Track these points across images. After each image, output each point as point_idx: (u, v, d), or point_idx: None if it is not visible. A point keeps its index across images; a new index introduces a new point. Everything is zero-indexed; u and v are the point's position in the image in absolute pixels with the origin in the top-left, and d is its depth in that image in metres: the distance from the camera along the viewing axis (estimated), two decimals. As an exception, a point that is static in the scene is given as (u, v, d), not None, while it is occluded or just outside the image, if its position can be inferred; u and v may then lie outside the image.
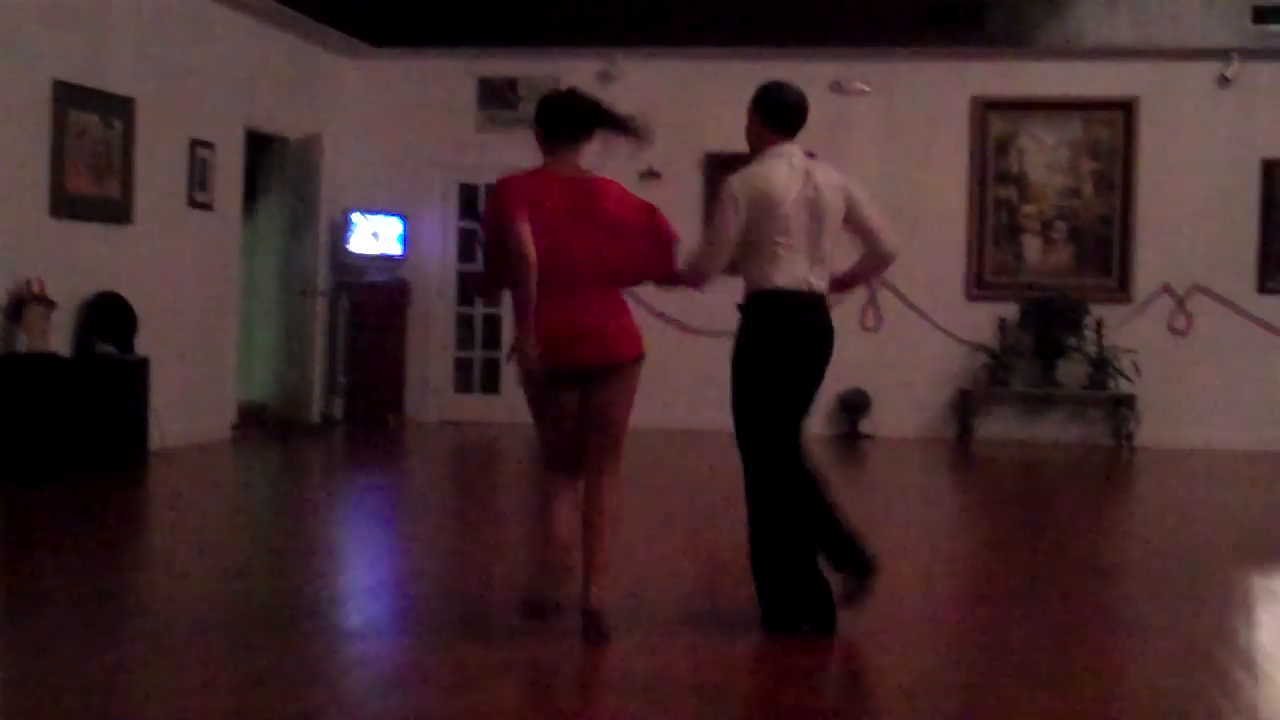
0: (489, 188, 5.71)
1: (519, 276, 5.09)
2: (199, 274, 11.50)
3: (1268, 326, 12.97)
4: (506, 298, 6.69)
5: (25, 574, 6.66)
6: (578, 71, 12.65)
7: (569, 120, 5.37)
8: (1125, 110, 13.21)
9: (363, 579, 6.84)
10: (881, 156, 13.05)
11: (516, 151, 13.58)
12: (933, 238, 12.99)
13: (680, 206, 13.13)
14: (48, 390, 9.26)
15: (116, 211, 10.44)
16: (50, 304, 9.34)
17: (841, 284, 5.75)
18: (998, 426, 13.27)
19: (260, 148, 12.92)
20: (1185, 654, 5.46)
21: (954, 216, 13.25)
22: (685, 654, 5.18)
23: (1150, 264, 13.16)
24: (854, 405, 13.14)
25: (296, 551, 7.48)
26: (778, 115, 5.65)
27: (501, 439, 12.88)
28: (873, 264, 5.74)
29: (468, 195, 14.05)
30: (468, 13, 13.58)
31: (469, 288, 13.80)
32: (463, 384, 14.19)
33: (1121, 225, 13.22)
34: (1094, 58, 13.13)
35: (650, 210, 5.41)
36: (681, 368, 12.17)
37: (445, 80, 13.93)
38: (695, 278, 5.60)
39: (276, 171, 13.26)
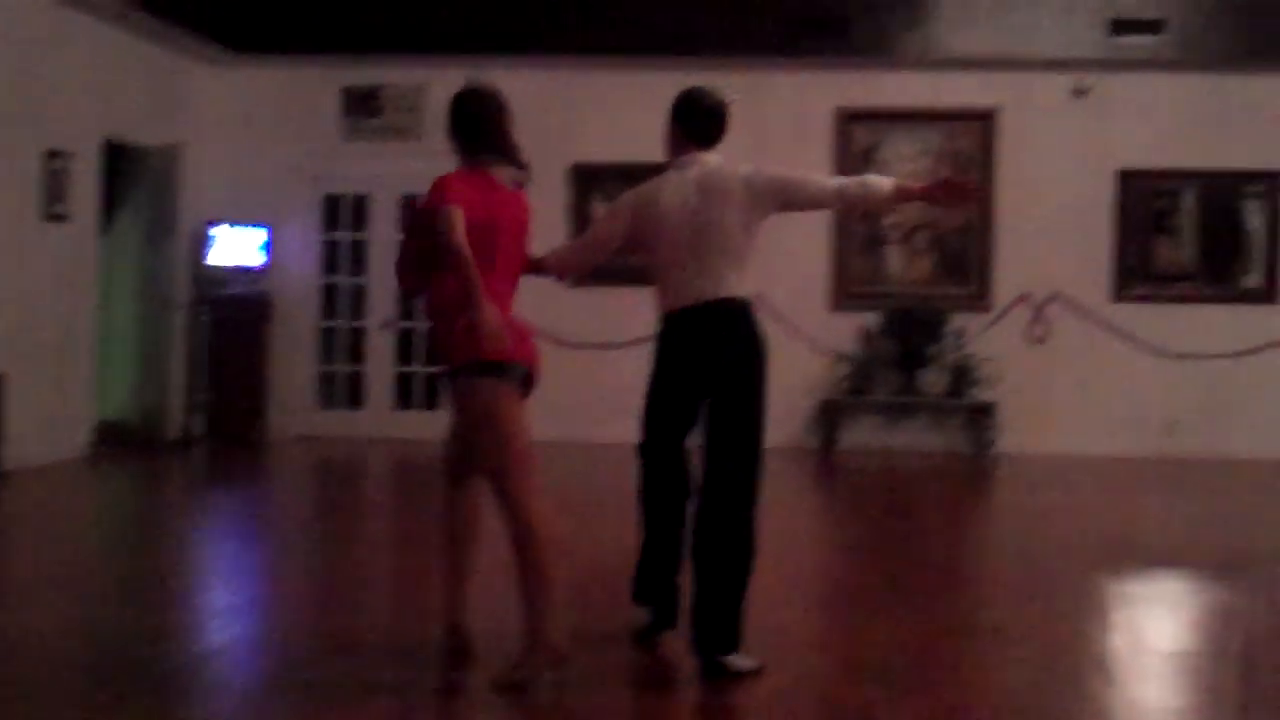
0: (356, 199, 5.63)
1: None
2: (54, 288, 11.23)
3: (1123, 334, 13.27)
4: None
5: None
6: (443, 80, 12.57)
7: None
8: (985, 121, 13.43)
9: (223, 600, 6.72)
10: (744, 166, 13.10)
11: (381, 161, 13.68)
12: (796, 248, 13.08)
13: (546, 217, 13.08)
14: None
15: (-33, 224, 10.19)
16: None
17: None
18: (861, 436, 13.41)
19: (119, 158, 12.67)
20: (1041, 658, 5.55)
21: (817, 227, 13.34)
22: (551, 671, 5.16)
23: (1008, 273, 13.38)
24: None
25: (155, 573, 7.33)
26: (692, 123, 5.55)
27: (366, 454, 12.76)
28: (860, 211, 5.61)
29: (332, 206, 13.90)
30: (331, 21, 13.43)
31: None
32: (327, 399, 14.03)
33: (980, 235, 13.44)
34: (954, 69, 13.33)
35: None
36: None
37: (308, 89, 13.75)
38: (557, 266, 5.62)
39: (136, 182, 13.01)
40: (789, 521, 9.52)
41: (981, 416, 13.13)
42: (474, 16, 13.26)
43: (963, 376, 13.10)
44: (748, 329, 5.36)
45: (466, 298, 4.84)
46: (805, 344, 13.26)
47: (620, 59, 13.16)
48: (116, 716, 4.53)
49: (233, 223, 13.24)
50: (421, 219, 5.08)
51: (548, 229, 13.32)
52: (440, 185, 5.01)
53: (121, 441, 12.44)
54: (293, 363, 13.73)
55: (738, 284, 5.38)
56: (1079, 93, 13.23)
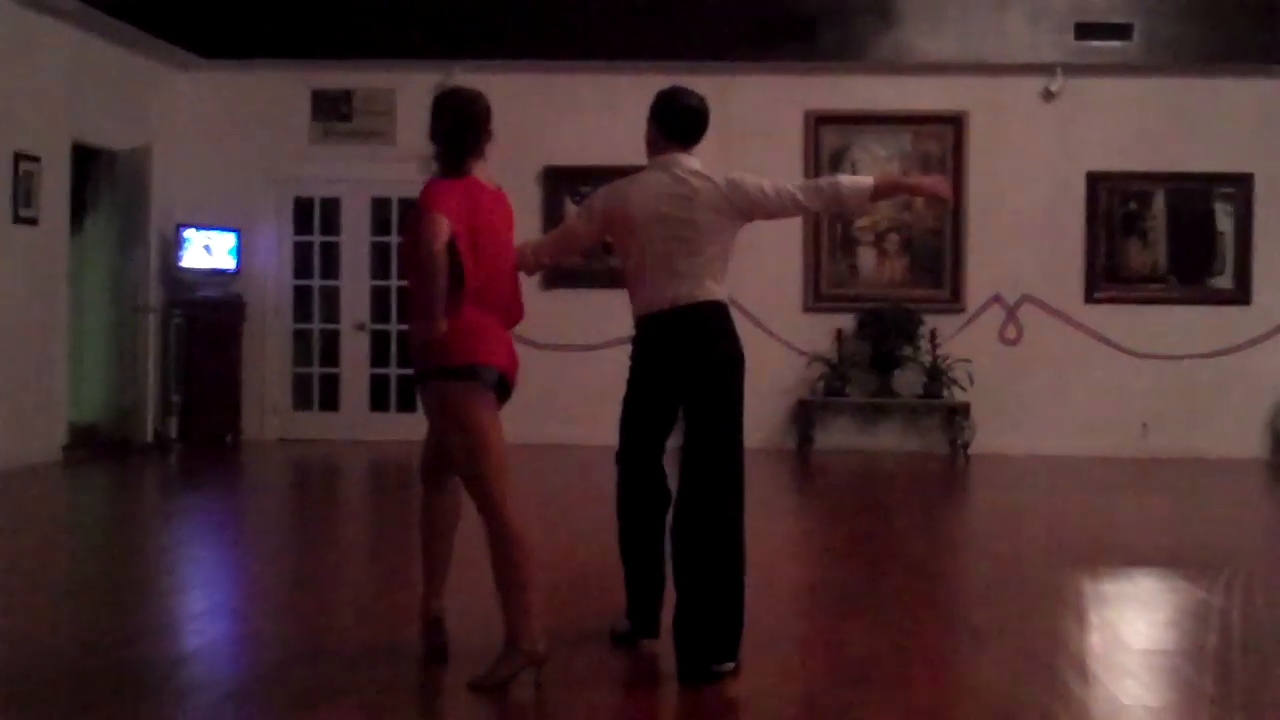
0: (324, 201, 5.66)
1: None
2: (25, 291, 11.18)
3: (1095, 335, 13.33)
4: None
5: None
6: (414, 84, 12.59)
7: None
8: (954, 124, 13.48)
9: (199, 603, 6.69)
10: (717, 170, 13.08)
11: (351, 165, 13.65)
12: (770, 250, 13.12)
13: (518, 220, 13.09)
14: None
15: (-64, 228, 10.14)
16: None
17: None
18: (836, 436, 13.44)
19: (89, 161, 12.62)
20: (1018, 657, 5.57)
21: (790, 229, 13.37)
22: (530, 671, 5.15)
23: (981, 275, 13.43)
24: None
25: (130, 576, 7.30)
26: (671, 123, 5.49)
27: (340, 457, 12.73)
28: (832, 212, 5.63)
29: (302, 209, 13.87)
30: (301, 24, 13.40)
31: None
32: (301, 401, 13.99)
33: (953, 237, 13.48)
34: (923, 73, 13.38)
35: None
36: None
37: (278, 92, 13.72)
38: (532, 260, 5.56)
39: (106, 186, 12.96)
40: (766, 522, 9.50)
41: (956, 417, 13.17)
42: (445, 20, 13.23)
43: (936, 378, 13.14)
44: (724, 332, 5.34)
45: (427, 307, 4.84)
46: (780, 345, 13.29)
47: (590, 63, 13.19)
48: (87, 713, 4.50)
49: (203, 226, 13.19)
50: (409, 222, 5.09)
51: (520, 232, 13.37)
52: (429, 191, 4.99)
53: (95, 445, 12.38)
54: (266, 365, 13.71)
55: (714, 287, 5.36)
56: (1050, 95, 13.29)
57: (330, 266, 13.86)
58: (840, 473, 12.30)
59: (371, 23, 13.34)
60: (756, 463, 12.31)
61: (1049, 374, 13.36)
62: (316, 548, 8.33)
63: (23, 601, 6.47)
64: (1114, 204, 13.44)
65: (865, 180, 5.53)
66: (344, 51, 13.45)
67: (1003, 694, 5.03)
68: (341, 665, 5.18)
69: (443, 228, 4.84)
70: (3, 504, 9.67)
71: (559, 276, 12.83)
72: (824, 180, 5.61)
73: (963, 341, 13.30)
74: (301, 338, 13.95)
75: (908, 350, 13.18)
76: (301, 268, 13.85)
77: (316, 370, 13.95)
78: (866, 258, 13.60)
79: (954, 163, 13.46)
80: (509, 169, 13.12)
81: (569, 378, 13.10)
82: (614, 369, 5.63)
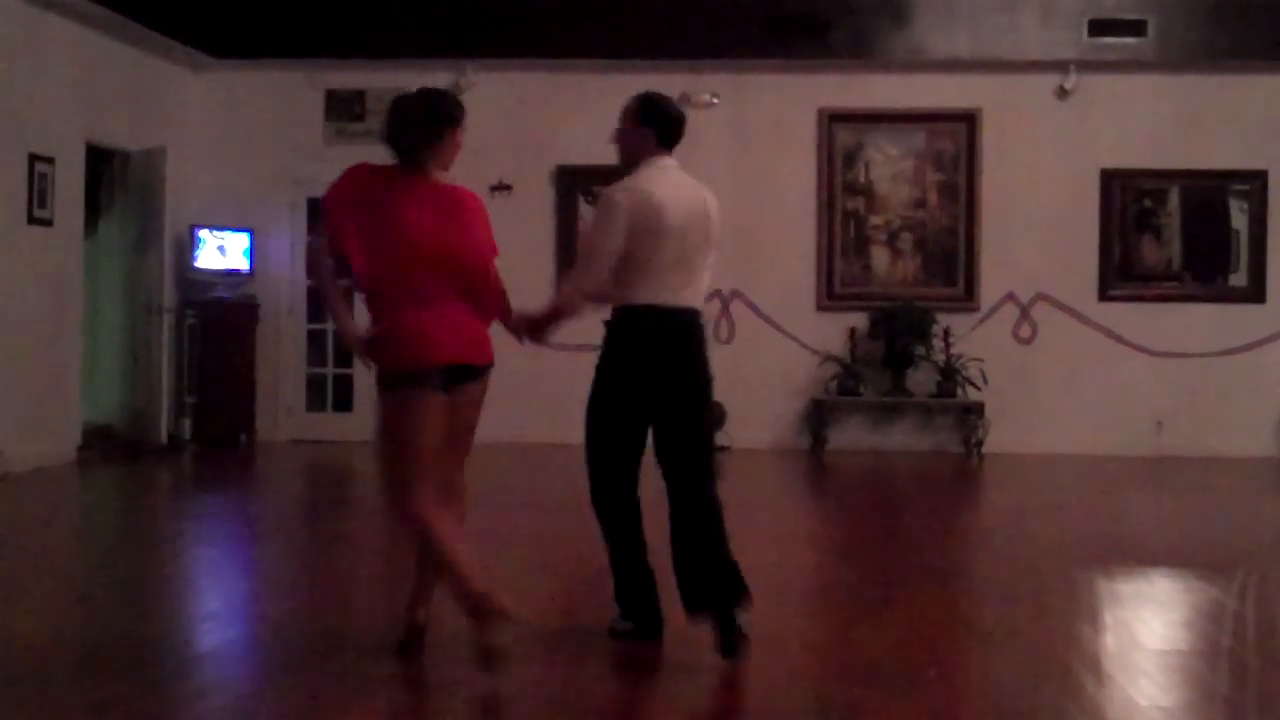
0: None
1: None
2: (39, 292, 11.20)
3: (1109, 333, 13.30)
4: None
5: None
6: (427, 84, 12.56)
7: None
8: (967, 122, 13.46)
9: (214, 603, 6.71)
10: (730, 169, 13.10)
11: (366, 165, 13.62)
12: (783, 249, 13.13)
13: (531, 219, 13.17)
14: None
15: (-49, 229, 10.17)
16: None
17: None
18: (850, 436, 13.42)
19: (102, 162, 12.64)
20: (1032, 657, 5.56)
21: (803, 228, 13.38)
22: (540, 672, 5.15)
23: (994, 273, 13.41)
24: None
25: (144, 577, 7.31)
26: (665, 127, 5.55)
27: (355, 457, 12.73)
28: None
29: (316, 209, 13.80)
30: (314, 24, 13.41)
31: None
32: (315, 402, 14.00)
33: (966, 235, 13.46)
34: (936, 70, 13.35)
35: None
36: (544, 383, 12.27)
37: (291, 92, 13.74)
38: (569, 304, 5.49)
39: (119, 187, 12.98)
40: (779, 521, 9.52)
41: (970, 416, 13.14)
42: (458, 20, 13.24)
43: (950, 377, 13.12)
44: (703, 338, 5.58)
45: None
46: (793, 345, 13.28)
47: (603, 62, 13.16)
48: (108, 719, 4.52)
49: (217, 227, 13.22)
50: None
51: (536, 232, 13.44)
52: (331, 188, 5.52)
53: (109, 445, 12.41)
54: (280, 366, 13.72)
55: (700, 295, 5.57)
56: (1063, 92, 13.27)
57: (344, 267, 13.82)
58: (854, 472, 12.29)
59: (385, 23, 13.35)
60: (770, 463, 12.41)
61: (1063, 372, 13.33)
62: (330, 548, 8.33)
63: (39, 601, 6.48)
64: (1128, 202, 13.42)
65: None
66: (357, 52, 13.46)
67: (1016, 694, 5.02)
68: (358, 663, 5.18)
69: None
70: (17, 505, 9.70)
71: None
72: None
73: (976, 340, 13.27)
74: (315, 339, 13.94)
75: (921, 349, 13.16)
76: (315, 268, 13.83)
77: (330, 371, 13.95)
78: (880, 256, 13.57)
79: (967, 160, 13.44)
80: (521, 169, 13.25)
81: (579, 377, 13.06)
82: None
